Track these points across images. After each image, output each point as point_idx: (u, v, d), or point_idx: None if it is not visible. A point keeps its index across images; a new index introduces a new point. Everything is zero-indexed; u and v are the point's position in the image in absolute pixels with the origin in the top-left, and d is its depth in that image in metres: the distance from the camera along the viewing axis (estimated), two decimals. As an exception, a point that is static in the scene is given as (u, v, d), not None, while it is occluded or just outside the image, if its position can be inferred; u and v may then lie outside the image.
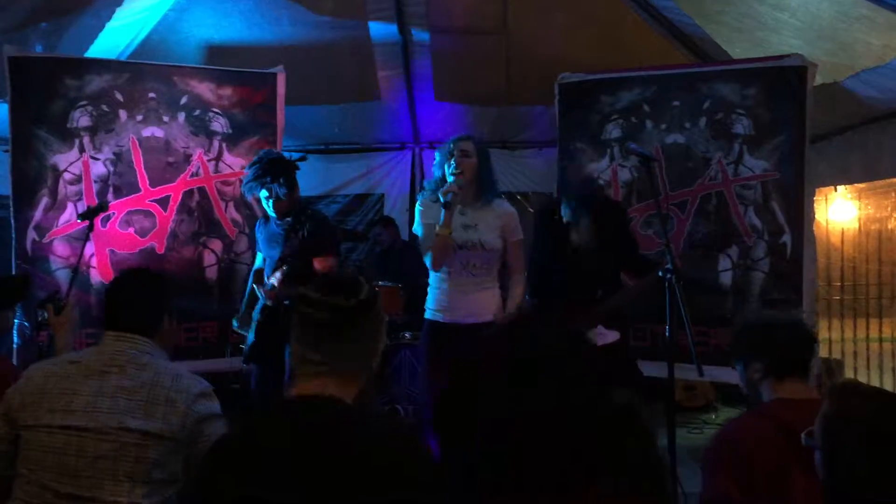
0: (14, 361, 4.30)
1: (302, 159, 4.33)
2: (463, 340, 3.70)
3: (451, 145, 3.78)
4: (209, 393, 2.26)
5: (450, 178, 3.69)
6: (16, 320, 4.37)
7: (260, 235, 4.29)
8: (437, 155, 3.92)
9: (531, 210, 6.56)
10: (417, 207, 3.92)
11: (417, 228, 3.88)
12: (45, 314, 2.95)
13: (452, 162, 3.71)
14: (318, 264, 4.02)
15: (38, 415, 2.13)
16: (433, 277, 3.88)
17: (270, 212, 4.07)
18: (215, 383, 2.40)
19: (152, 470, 2.11)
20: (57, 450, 2.09)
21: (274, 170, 4.03)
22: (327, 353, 1.66)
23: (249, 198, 4.37)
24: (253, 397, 4.22)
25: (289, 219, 4.05)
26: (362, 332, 1.70)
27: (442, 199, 3.62)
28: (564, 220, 3.98)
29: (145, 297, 2.39)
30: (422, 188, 4.07)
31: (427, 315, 3.87)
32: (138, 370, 2.20)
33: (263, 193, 4.02)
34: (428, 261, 3.80)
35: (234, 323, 4.29)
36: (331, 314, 1.65)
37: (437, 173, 3.85)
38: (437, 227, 3.65)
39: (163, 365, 2.26)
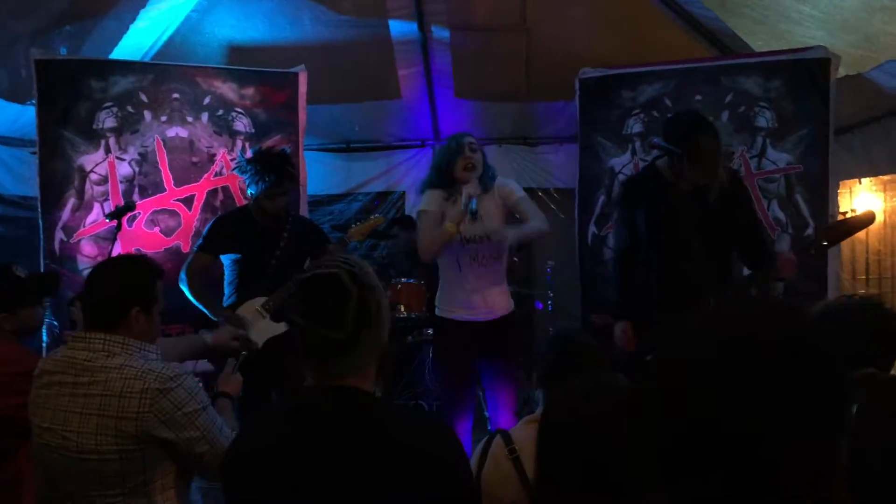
0: (44, 360, 4.37)
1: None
2: (480, 337, 3.70)
3: (460, 140, 3.69)
4: (172, 386, 2.06)
5: (485, 180, 3.66)
6: (45, 319, 4.44)
7: (230, 232, 4.08)
8: (439, 150, 3.87)
9: (553, 207, 6.54)
10: (426, 195, 3.79)
11: (419, 212, 3.76)
12: (75, 311, 2.96)
13: (466, 153, 3.64)
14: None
15: (32, 430, 2.14)
16: (444, 274, 3.80)
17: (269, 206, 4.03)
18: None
19: (125, 480, 2.04)
20: (41, 460, 2.11)
21: (280, 161, 4.06)
22: (335, 368, 1.58)
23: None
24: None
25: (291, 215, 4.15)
26: (366, 339, 1.57)
27: (471, 207, 3.50)
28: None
29: (103, 289, 2.22)
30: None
31: (441, 313, 3.80)
32: (92, 377, 2.06)
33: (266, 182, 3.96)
34: (419, 248, 3.70)
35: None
36: (329, 347, 1.55)
37: (439, 164, 3.75)
38: (448, 223, 3.56)
39: (116, 365, 2.07)
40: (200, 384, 2.21)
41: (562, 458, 1.48)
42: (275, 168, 3.97)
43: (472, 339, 3.70)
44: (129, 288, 2.21)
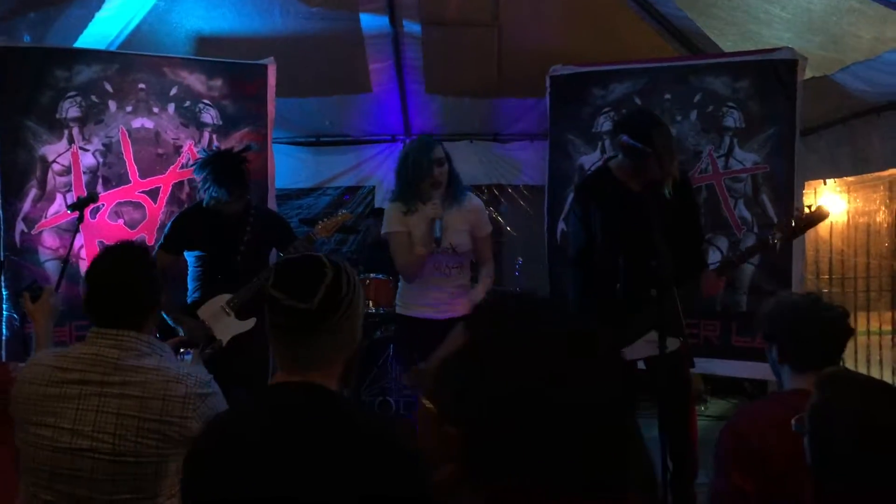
0: (3, 354, 4.29)
1: (247, 150, 4.24)
2: (438, 335, 3.66)
3: (429, 156, 3.63)
4: (210, 392, 2.04)
5: (455, 191, 3.67)
6: (4, 312, 4.36)
7: (192, 229, 4.04)
8: (404, 159, 3.75)
9: (522, 203, 6.55)
10: (387, 212, 3.82)
11: (387, 234, 3.76)
12: (23, 303, 2.86)
13: (434, 171, 3.62)
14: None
15: (28, 431, 1.99)
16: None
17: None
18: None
19: (157, 483, 1.99)
20: (45, 464, 1.96)
21: (234, 168, 3.95)
22: (304, 351, 1.57)
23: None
24: None
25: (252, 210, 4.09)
26: (336, 323, 1.57)
27: (435, 234, 3.57)
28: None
29: (134, 282, 2.09)
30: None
31: (400, 310, 3.82)
32: (125, 376, 1.98)
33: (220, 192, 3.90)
34: (400, 272, 3.77)
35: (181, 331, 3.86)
36: (296, 320, 1.54)
37: (406, 178, 3.70)
38: (417, 248, 3.61)
39: (153, 366, 2.01)
40: None
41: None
42: (226, 179, 3.87)
43: (431, 337, 3.67)
44: (155, 281, 2.16)
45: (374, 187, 6.96)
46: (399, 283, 3.87)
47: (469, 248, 3.77)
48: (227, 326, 3.92)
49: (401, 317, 3.82)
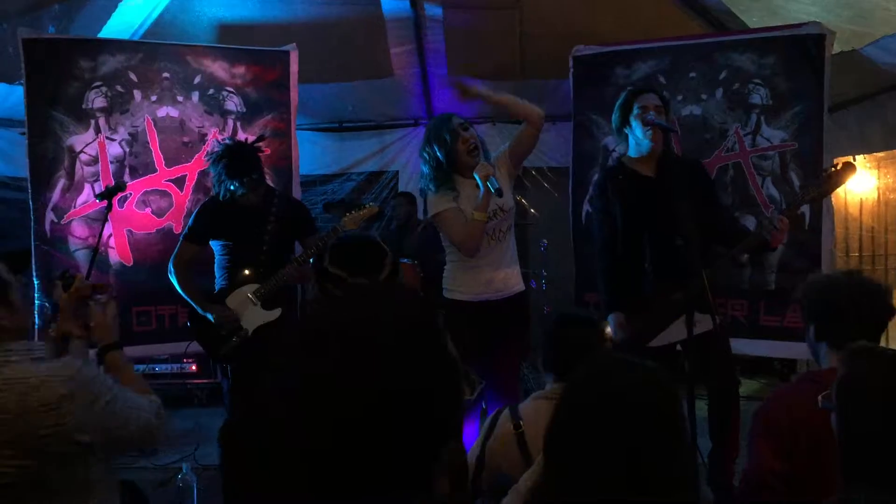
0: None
1: (260, 139, 4.25)
2: (494, 314, 3.58)
3: (450, 125, 3.54)
4: (78, 387, 1.80)
5: (483, 159, 3.51)
6: (37, 301, 4.42)
7: (216, 219, 4.05)
8: (428, 141, 3.61)
9: (546, 185, 6.52)
10: (430, 199, 3.64)
11: (436, 215, 3.60)
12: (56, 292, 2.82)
13: (462, 135, 3.52)
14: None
15: None
16: (457, 254, 3.64)
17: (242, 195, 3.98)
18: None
19: (61, 491, 1.82)
20: None
21: (247, 160, 3.97)
22: None
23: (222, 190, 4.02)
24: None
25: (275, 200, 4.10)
26: None
27: (487, 187, 3.37)
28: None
29: None
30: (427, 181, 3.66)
31: (451, 295, 3.63)
32: None
33: (235, 185, 3.94)
34: (460, 248, 3.57)
35: (210, 317, 3.97)
36: None
37: (437, 158, 3.54)
38: (475, 213, 3.45)
39: (5, 379, 1.76)
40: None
41: (580, 439, 1.48)
42: (240, 171, 3.89)
43: (485, 318, 3.57)
44: None
45: (397, 172, 6.96)
46: (446, 266, 3.73)
47: (513, 206, 3.69)
48: (253, 316, 3.96)
49: (450, 301, 3.62)
